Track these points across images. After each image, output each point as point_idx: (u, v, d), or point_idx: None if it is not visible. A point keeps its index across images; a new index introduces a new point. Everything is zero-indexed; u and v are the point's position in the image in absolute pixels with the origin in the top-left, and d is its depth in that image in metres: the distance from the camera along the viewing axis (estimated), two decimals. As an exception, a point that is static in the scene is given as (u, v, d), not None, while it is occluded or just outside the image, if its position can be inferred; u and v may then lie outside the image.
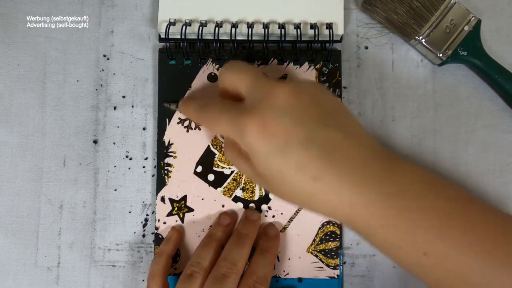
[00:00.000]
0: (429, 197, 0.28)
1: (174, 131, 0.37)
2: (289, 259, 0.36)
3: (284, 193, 0.29)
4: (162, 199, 0.37)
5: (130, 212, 0.37)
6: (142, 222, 0.37)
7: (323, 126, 0.27)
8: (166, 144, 0.37)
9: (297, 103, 0.28)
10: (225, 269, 0.32)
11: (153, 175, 0.38)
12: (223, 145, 0.37)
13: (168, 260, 0.35)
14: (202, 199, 0.37)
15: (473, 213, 0.28)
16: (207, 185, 0.37)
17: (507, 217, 0.29)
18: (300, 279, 0.36)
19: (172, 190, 0.37)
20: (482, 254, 0.26)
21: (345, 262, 0.37)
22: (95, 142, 0.38)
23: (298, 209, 0.36)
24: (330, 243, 0.36)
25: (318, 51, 0.37)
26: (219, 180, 0.37)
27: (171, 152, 0.37)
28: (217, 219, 0.36)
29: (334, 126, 0.28)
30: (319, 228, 0.36)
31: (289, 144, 0.27)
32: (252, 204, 0.37)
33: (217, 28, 0.36)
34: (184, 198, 0.37)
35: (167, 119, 0.37)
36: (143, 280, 0.37)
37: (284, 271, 0.36)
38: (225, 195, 0.37)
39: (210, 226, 0.36)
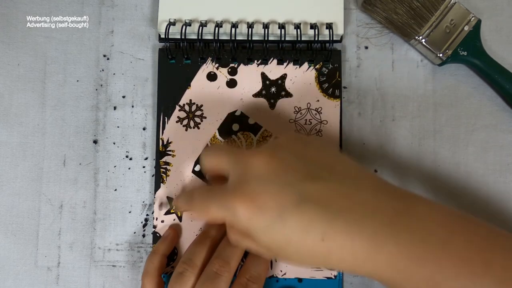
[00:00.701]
0: (452, 245, 0.24)
1: (172, 130, 0.37)
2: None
3: (299, 260, 0.27)
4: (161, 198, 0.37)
5: (130, 212, 0.37)
6: (142, 222, 0.37)
7: (311, 180, 0.26)
8: (165, 142, 0.37)
9: (277, 166, 0.27)
10: (217, 267, 0.31)
11: (153, 175, 0.38)
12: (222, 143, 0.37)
13: (162, 258, 0.35)
14: None
15: (506, 258, 0.25)
16: (206, 184, 0.37)
17: None
18: (300, 279, 0.36)
19: (170, 188, 0.37)
20: None
21: (345, 262, 0.37)
22: (95, 142, 0.38)
23: None
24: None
25: (318, 51, 0.37)
26: (219, 180, 0.37)
27: (170, 150, 0.37)
28: None
29: (323, 174, 0.26)
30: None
31: (284, 212, 0.25)
32: None
33: (217, 28, 0.36)
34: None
35: (166, 118, 0.37)
36: (143, 280, 0.37)
37: (281, 271, 0.36)
38: None
39: (210, 226, 0.36)
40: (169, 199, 0.37)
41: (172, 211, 0.36)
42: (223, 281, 0.31)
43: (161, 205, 0.37)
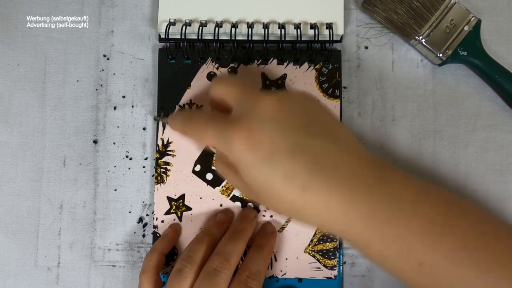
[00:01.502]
0: (420, 204, 0.27)
1: (172, 130, 0.37)
2: (286, 259, 0.36)
3: (274, 204, 0.29)
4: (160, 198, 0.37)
5: (130, 212, 0.37)
6: (142, 222, 0.37)
7: (309, 135, 0.27)
8: (165, 142, 0.37)
9: (283, 113, 0.28)
10: (217, 263, 0.31)
11: (153, 175, 0.38)
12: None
13: (160, 257, 0.35)
14: (200, 198, 0.37)
15: (467, 222, 0.27)
16: (205, 184, 0.37)
17: (505, 226, 0.28)
18: (300, 279, 0.36)
19: (170, 188, 0.37)
20: (479, 267, 0.26)
21: (345, 262, 0.37)
22: (95, 142, 0.38)
23: None
24: (327, 243, 0.36)
25: (318, 51, 0.37)
26: (218, 179, 0.37)
27: (170, 150, 0.37)
28: (213, 216, 0.36)
29: (321, 134, 0.27)
30: (317, 229, 0.36)
31: (276, 154, 0.26)
32: (250, 204, 0.37)
33: (217, 28, 0.36)
34: (182, 196, 0.37)
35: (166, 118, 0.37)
36: (143, 280, 0.37)
37: (281, 271, 0.36)
38: (223, 194, 0.37)
39: (210, 226, 0.36)
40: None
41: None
42: (223, 278, 0.31)
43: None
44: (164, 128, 0.37)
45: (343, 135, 0.28)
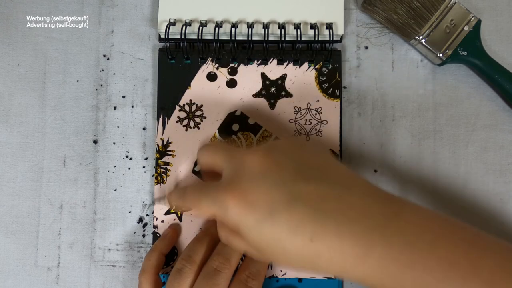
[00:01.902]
0: (440, 246, 0.25)
1: (172, 130, 0.37)
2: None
3: (284, 260, 0.27)
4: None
5: (130, 212, 0.37)
6: (142, 222, 0.37)
7: (303, 181, 0.26)
8: (165, 142, 0.37)
9: (271, 165, 0.27)
10: (217, 263, 0.31)
11: (153, 175, 0.38)
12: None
13: (160, 256, 0.35)
14: None
15: (492, 262, 0.25)
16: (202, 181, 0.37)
17: None
18: (300, 279, 0.36)
19: (170, 188, 0.37)
20: None
21: (345, 262, 0.37)
22: (95, 142, 0.38)
23: None
24: (330, 243, 0.36)
25: (318, 51, 0.37)
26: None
27: (170, 150, 0.37)
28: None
29: (316, 177, 0.27)
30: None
31: (274, 210, 0.26)
32: None
33: (217, 28, 0.36)
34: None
35: (166, 118, 0.37)
36: (143, 280, 0.37)
37: (281, 271, 0.36)
38: None
39: (210, 226, 0.36)
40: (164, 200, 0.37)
41: (172, 211, 0.36)
42: (223, 277, 0.31)
43: (159, 199, 0.37)
44: (163, 125, 0.37)
45: (339, 173, 0.27)
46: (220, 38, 0.37)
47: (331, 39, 0.36)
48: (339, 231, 0.25)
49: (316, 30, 0.36)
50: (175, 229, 0.36)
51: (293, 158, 0.28)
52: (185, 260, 0.32)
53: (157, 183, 0.37)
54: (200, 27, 0.36)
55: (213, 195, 0.28)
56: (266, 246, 0.27)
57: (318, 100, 0.37)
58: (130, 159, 0.38)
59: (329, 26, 0.36)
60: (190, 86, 0.37)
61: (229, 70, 0.37)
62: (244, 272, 0.32)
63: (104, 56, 0.39)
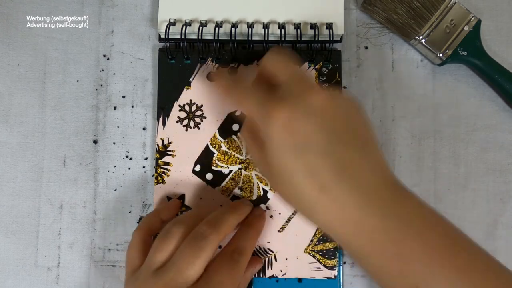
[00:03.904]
0: (428, 232, 0.27)
1: (172, 130, 0.37)
2: (286, 259, 0.36)
3: (286, 193, 0.29)
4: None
5: (130, 212, 0.37)
6: (142, 222, 0.37)
7: (344, 142, 0.27)
8: (165, 142, 0.37)
9: (329, 111, 0.28)
10: (205, 228, 0.31)
11: (153, 175, 0.38)
12: (222, 143, 0.37)
13: (158, 220, 0.34)
14: (200, 198, 0.37)
15: (472, 256, 0.27)
16: (206, 184, 0.37)
17: (508, 273, 0.28)
18: (300, 279, 0.36)
19: (170, 188, 0.37)
20: None
21: (345, 262, 0.37)
22: (95, 142, 0.38)
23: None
24: (327, 243, 0.36)
25: (318, 51, 0.37)
26: (218, 179, 0.37)
27: (170, 150, 0.37)
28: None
29: (355, 145, 0.28)
30: (317, 229, 0.36)
31: (307, 147, 0.27)
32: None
33: (217, 28, 0.36)
34: (182, 197, 0.37)
35: (166, 118, 0.37)
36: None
37: (281, 271, 0.36)
38: (223, 194, 0.37)
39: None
40: (169, 198, 0.37)
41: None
42: (208, 243, 0.30)
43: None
44: (164, 124, 0.37)
45: (374, 152, 0.29)
46: (220, 38, 0.37)
47: (331, 39, 0.36)
48: (347, 194, 0.26)
49: (316, 30, 0.36)
50: (179, 202, 0.36)
51: (347, 118, 0.28)
52: (174, 223, 0.32)
53: (157, 183, 0.37)
54: (200, 27, 0.36)
55: (265, 100, 0.29)
56: (279, 171, 0.28)
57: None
58: (130, 159, 0.38)
59: (329, 26, 0.36)
60: (190, 86, 0.37)
61: (229, 70, 0.37)
62: (231, 247, 0.32)
63: (104, 56, 0.39)
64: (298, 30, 0.36)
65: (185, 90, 0.37)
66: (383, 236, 0.26)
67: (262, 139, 0.29)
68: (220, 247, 0.33)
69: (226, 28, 0.37)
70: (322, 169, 0.26)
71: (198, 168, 0.37)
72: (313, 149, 0.27)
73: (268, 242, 0.36)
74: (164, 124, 0.37)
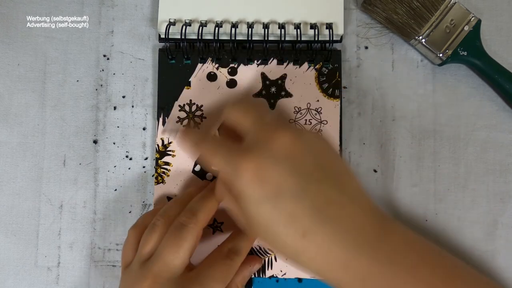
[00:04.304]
0: (421, 271, 0.27)
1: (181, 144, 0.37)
2: (286, 259, 0.36)
3: (270, 243, 0.28)
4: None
5: (130, 212, 0.37)
6: (142, 222, 0.37)
7: (318, 180, 0.27)
8: (165, 142, 0.37)
9: (296, 152, 0.27)
10: (184, 218, 0.31)
11: (153, 175, 0.38)
12: None
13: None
14: None
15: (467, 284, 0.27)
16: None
17: None
18: (300, 279, 0.36)
19: (170, 188, 0.37)
20: None
21: (345, 262, 0.37)
22: (95, 142, 0.38)
23: None
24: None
25: (318, 51, 0.37)
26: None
27: (170, 150, 0.37)
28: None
29: (330, 181, 0.27)
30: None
31: (281, 194, 0.26)
32: None
33: (217, 28, 0.36)
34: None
35: (166, 118, 0.37)
36: (143, 280, 0.37)
37: (281, 271, 0.36)
38: None
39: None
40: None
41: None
42: (188, 232, 0.30)
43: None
44: (164, 124, 0.37)
45: (351, 184, 0.28)
46: (220, 38, 0.37)
47: (331, 39, 0.36)
48: (332, 237, 0.26)
49: (316, 30, 0.36)
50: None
51: (316, 155, 0.28)
52: (159, 215, 0.32)
53: (157, 183, 0.37)
54: (200, 27, 0.36)
55: (229, 155, 0.28)
56: (258, 223, 0.27)
57: (318, 100, 0.37)
58: (130, 159, 0.38)
59: (329, 26, 0.36)
60: (190, 86, 0.37)
61: (229, 70, 0.37)
62: (227, 245, 0.32)
63: (104, 56, 0.39)
64: (298, 30, 0.36)
65: (185, 90, 0.37)
66: (374, 280, 0.26)
67: (235, 193, 0.28)
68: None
69: (226, 28, 0.37)
70: (300, 215, 0.26)
71: (198, 168, 0.37)
72: (286, 195, 0.26)
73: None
74: (164, 124, 0.37)
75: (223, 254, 0.32)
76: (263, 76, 0.37)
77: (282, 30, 0.36)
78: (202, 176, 0.37)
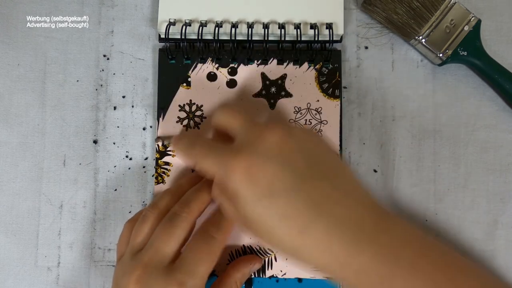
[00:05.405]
0: (420, 263, 0.27)
1: (173, 130, 0.37)
2: (286, 259, 0.36)
3: (269, 241, 0.28)
4: None
5: (130, 212, 0.37)
6: (142, 222, 0.37)
7: (311, 176, 0.27)
8: (165, 142, 0.37)
9: (286, 149, 0.27)
10: (177, 208, 0.31)
11: (153, 175, 0.38)
12: None
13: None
14: None
15: (468, 278, 0.27)
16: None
17: None
18: (300, 279, 0.36)
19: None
20: None
21: (345, 262, 0.37)
22: (95, 142, 0.38)
23: None
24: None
25: (318, 51, 0.37)
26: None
27: (170, 150, 0.37)
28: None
29: (324, 176, 0.27)
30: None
31: (275, 192, 0.26)
32: None
33: (217, 28, 0.36)
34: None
35: (165, 118, 0.37)
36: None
37: (281, 271, 0.36)
38: None
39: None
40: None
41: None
42: (181, 221, 0.30)
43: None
44: (163, 145, 0.37)
45: (345, 178, 0.28)
46: (220, 38, 0.37)
47: (331, 39, 0.36)
48: (329, 233, 0.26)
49: (316, 30, 0.36)
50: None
51: (307, 151, 0.28)
52: (150, 206, 0.32)
53: (157, 183, 0.37)
54: (200, 27, 0.36)
55: (221, 157, 0.28)
56: (254, 221, 0.27)
57: (318, 100, 0.37)
58: (130, 159, 0.38)
59: (329, 26, 0.36)
60: (190, 86, 0.37)
61: (229, 70, 0.37)
62: (206, 223, 0.32)
63: (104, 56, 0.39)
64: (298, 30, 0.36)
65: (185, 90, 0.37)
66: (373, 274, 0.26)
67: (230, 193, 0.28)
68: None
69: (226, 28, 0.37)
70: (295, 211, 0.26)
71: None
72: (280, 192, 0.26)
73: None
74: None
75: (203, 232, 0.31)
76: (263, 76, 0.37)
77: (282, 30, 0.36)
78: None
